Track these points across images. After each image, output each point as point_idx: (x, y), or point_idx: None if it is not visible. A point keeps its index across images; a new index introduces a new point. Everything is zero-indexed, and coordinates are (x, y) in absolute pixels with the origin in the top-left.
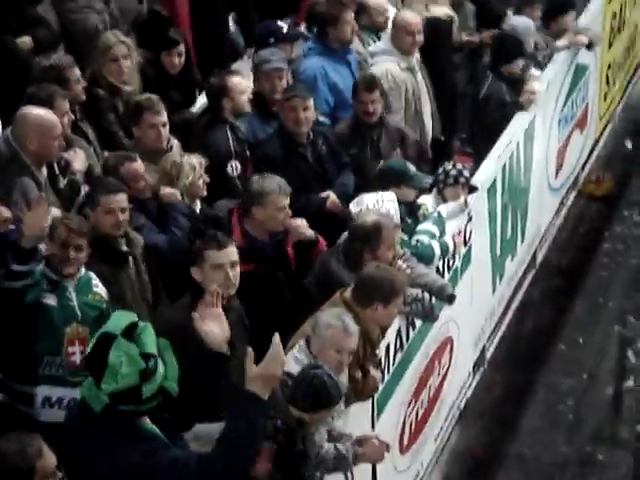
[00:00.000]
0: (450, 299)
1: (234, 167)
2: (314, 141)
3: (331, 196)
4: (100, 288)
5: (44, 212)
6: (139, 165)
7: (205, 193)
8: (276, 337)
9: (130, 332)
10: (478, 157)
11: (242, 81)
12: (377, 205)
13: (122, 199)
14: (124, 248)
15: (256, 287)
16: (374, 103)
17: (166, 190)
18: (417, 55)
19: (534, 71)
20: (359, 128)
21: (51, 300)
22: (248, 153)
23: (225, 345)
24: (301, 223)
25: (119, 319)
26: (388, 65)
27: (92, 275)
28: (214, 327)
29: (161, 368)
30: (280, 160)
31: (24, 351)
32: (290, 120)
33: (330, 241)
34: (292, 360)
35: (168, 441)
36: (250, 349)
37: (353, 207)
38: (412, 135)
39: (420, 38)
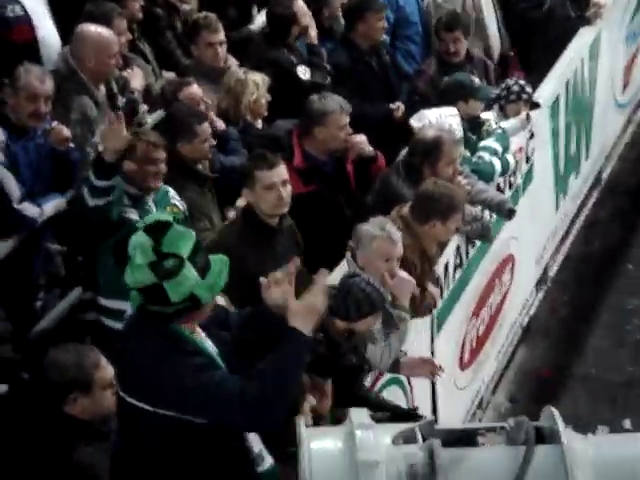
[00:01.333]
0: (510, 214)
1: (304, 71)
2: (378, 51)
3: (401, 107)
4: (177, 201)
5: (122, 128)
6: (196, 89)
7: (266, 112)
8: (323, 271)
9: (153, 228)
10: (539, 73)
11: (304, 6)
12: (439, 120)
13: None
14: (203, 171)
15: (317, 207)
16: (456, 42)
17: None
18: None
19: None
20: (445, 69)
21: (133, 215)
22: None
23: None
24: (361, 139)
25: (153, 216)
26: None
27: (169, 188)
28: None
29: (191, 273)
30: (345, 66)
31: (112, 265)
32: (373, 32)
33: (390, 156)
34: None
35: (222, 361)
36: (289, 286)
37: (414, 122)
38: (490, 63)
39: None
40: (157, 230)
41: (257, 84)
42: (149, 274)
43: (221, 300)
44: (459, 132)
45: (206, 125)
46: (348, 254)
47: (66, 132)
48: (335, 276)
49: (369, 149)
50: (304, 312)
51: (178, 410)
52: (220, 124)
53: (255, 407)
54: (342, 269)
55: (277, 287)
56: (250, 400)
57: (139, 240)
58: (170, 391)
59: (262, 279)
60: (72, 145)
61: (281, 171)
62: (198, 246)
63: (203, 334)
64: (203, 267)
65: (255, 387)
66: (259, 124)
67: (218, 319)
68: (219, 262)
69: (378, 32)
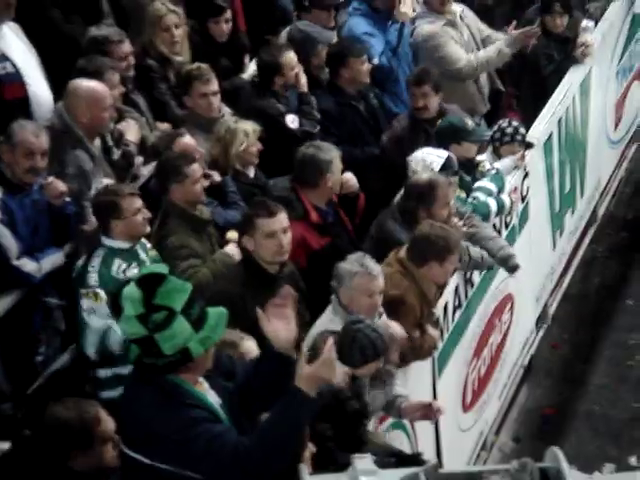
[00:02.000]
0: (513, 270)
1: (292, 120)
2: (365, 94)
3: None
4: (149, 244)
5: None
6: (189, 139)
7: (257, 160)
8: (329, 340)
9: (146, 280)
10: (527, 113)
11: (294, 57)
12: (425, 157)
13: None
14: (201, 215)
15: (335, 257)
16: (425, 97)
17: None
18: (460, 8)
19: (585, 22)
20: (418, 125)
21: (135, 270)
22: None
23: (290, 347)
24: (350, 176)
25: (149, 268)
26: (424, 27)
27: None
28: (281, 327)
29: (184, 326)
30: (333, 112)
31: None
32: (358, 76)
33: (378, 197)
34: (327, 320)
35: (222, 411)
36: (304, 348)
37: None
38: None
39: None
40: (150, 282)
41: (247, 133)
42: (138, 326)
43: (252, 344)
44: (437, 170)
45: (196, 166)
46: (333, 296)
47: (62, 187)
48: (320, 321)
49: (357, 186)
50: (312, 378)
51: (174, 464)
52: (216, 176)
53: (252, 464)
54: (327, 314)
55: (275, 316)
56: (246, 456)
57: (129, 292)
58: (166, 444)
59: (259, 311)
60: (68, 199)
61: (282, 219)
62: (193, 298)
63: (206, 384)
64: (197, 320)
65: (253, 444)
66: (251, 172)
67: (223, 369)
68: (216, 316)
69: (363, 76)
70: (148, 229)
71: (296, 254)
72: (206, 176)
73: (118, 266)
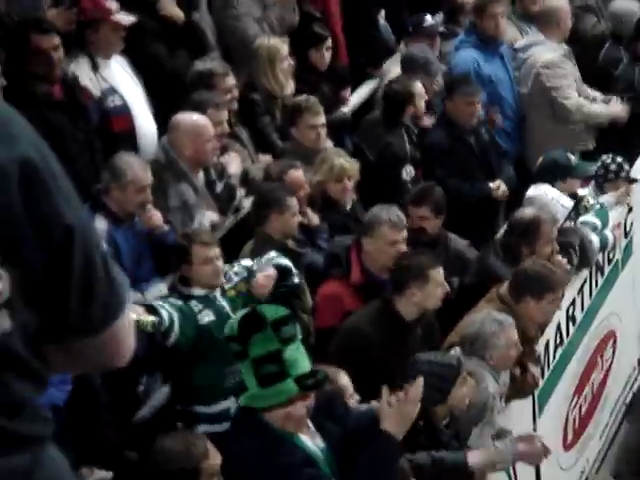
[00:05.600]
0: None
1: (408, 172)
2: (477, 130)
3: (502, 186)
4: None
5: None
6: (301, 174)
7: (355, 195)
8: (419, 380)
9: (246, 319)
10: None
11: (422, 87)
12: (549, 200)
13: None
14: (294, 247)
15: None
16: (423, 220)
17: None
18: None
19: None
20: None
21: (209, 316)
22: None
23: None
24: None
25: (266, 307)
26: (546, 53)
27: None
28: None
29: (249, 375)
30: (444, 146)
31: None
32: (461, 114)
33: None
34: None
35: (323, 455)
36: (386, 387)
37: (530, 191)
38: (473, 258)
39: (568, 24)
40: (251, 319)
41: (346, 167)
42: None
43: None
44: (559, 215)
45: (295, 200)
46: (459, 352)
47: (157, 221)
48: None
49: None
50: (397, 418)
51: None
52: (314, 220)
53: None
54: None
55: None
56: None
57: (232, 319)
58: None
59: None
60: (167, 228)
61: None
62: (271, 357)
63: (312, 427)
64: (267, 377)
65: None
66: (348, 204)
67: (334, 412)
68: (286, 388)
69: (465, 115)
70: (220, 281)
71: (329, 312)
72: (302, 213)
73: (195, 305)
